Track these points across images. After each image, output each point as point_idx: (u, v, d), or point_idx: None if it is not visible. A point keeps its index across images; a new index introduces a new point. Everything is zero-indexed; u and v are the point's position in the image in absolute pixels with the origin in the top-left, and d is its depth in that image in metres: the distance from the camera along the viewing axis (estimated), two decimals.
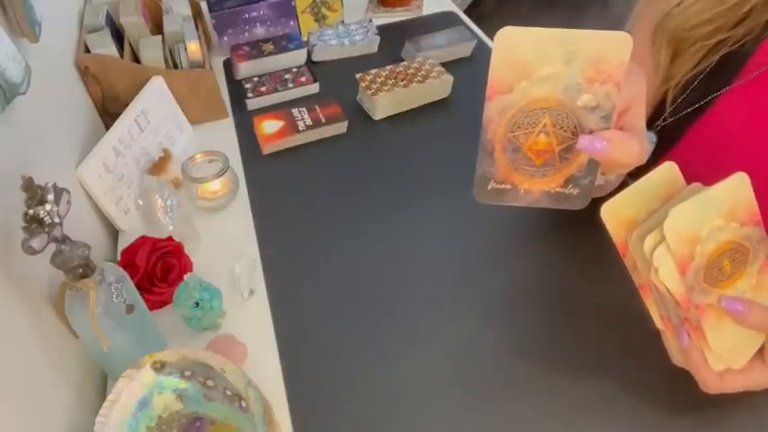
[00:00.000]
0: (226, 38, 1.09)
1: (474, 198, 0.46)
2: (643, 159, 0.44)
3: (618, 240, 0.46)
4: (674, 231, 0.42)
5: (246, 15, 1.07)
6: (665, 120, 0.63)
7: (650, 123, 0.66)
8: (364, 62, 1.07)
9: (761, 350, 0.48)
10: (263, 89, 1.00)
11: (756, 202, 0.45)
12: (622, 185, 0.46)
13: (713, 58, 0.58)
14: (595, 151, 0.41)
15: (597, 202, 0.45)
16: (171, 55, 0.95)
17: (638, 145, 0.43)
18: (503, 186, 0.45)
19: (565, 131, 0.42)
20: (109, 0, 0.95)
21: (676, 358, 0.50)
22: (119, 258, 0.67)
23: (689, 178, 0.47)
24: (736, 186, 0.44)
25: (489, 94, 0.42)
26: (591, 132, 0.42)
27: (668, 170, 0.46)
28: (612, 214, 0.45)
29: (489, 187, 0.46)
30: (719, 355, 0.46)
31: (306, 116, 0.91)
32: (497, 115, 0.42)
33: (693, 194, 0.44)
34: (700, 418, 0.53)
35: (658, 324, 0.49)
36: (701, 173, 0.46)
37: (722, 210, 0.44)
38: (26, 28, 0.62)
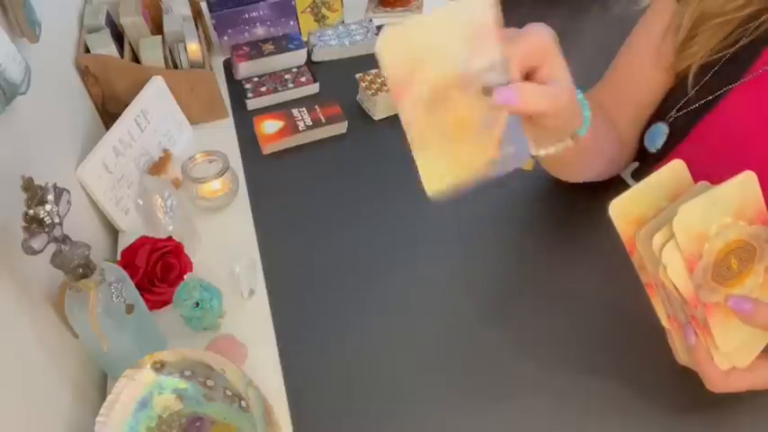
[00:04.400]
0: (226, 38, 1.09)
1: (430, 198, 0.46)
2: (558, 106, 0.44)
3: (625, 237, 0.46)
4: (683, 229, 0.42)
5: (246, 15, 1.07)
6: (678, 110, 0.63)
7: (660, 115, 0.66)
8: (364, 62, 1.07)
9: (767, 349, 0.48)
10: (263, 89, 1.00)
11: (764, 201, 0.46)
12: (624, 185, 0.46)
13: (734, 37, 0.58)
14: (508, 101, 0.41)
15: (604, 199, 0.45)
16: (171, 55, 0.95)
17: (550, 90, 0.43)
18: (452, 173, 0.45)
19: (477, 99, 0.43)
20: (109, 0, 0.95)
21: (681, 357, 0.50)
22: (119, 258, 0.67)
23: (697, 173, 0.47)
24: (745, 185, 0.44)
25: (396, 96, 0.42)
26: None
27: (677, 168, 0.46)
28: (620, 211, 0.45)
29: (442, 182, 0.46)
30: (726, 354, 0.46)
31: (306, 116, 0.91)
32: (413, 110, 0.43)
33: (701, 192, 0.44)
34: (703, 418, 0.53)
35: (664, 323, 0.49)
36: (709, 168, 0.46)
37: (730, 208, 0.44)
38: (26, 28, 0.62)
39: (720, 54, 0.59)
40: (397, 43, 0.40)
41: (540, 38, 0.43)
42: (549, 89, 0.43)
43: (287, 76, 1.03)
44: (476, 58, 0.41)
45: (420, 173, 0.45)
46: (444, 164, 0.44)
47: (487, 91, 0.42)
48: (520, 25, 0.44)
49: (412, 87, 0.41)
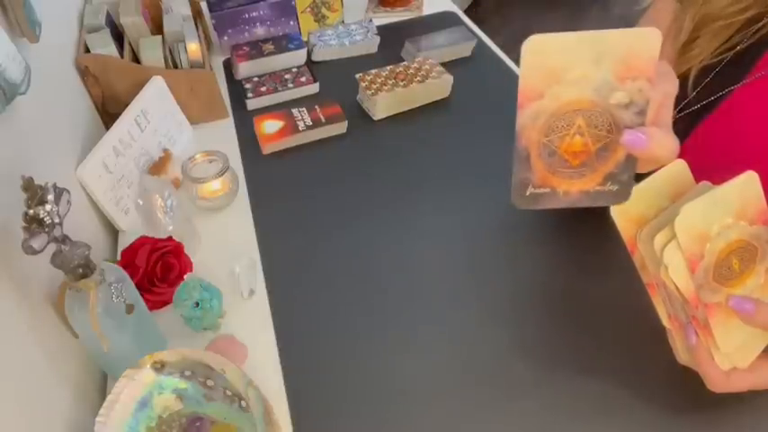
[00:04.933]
0: (226, 38, 1.09)
1: (512, 204, 0.46)
2: (674, 157, 0.44)
3: (627, 237, 0.46)
4: (684, 229, 0.42)
5: (246, 15, 1.07)
6: (680, 111, 0.63)
7: None
8: (364, 62, 1.07)
9: (767, 349, 0.48)
10: (263, 89, 1.00)
11: (765, 201, 0.46)
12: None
13: (735, 39, 0.58)
14: (637, 145, 0.42)
15: None
16: (171, 55, 0.95)
17: (673, 141, 0.43)
18: (541, 191, 0.45)
19: (600, 130, 0.43)
20: (109, 0, 0.95)
21: (682, 357, 0.50)
22: (119, 258, 0.67)
23: (698, 173, 0.47)
24: (746, 185, 0.44)
25: (521, 102, 0.41)
26: (626, 129, 0.43)
27: (678, 168, 0.46)
28: (622, 211, 0.45)
29: (527, 193, 0.46)
30: (727, 354, 0.46)
31: (306, 116, 0.91)
32: (531, 121, 0.42)
33: (703, 192, 0.44)
34: (704, 418, 0.53)
35: (665, 323, 0.49)
36: (710, 168, 0.46)
37: (732, 208, 0.44)
38: (26, 28, 0.62)
39: (721, 56, 0.59)
40: (542, 50, 0.39)
41: (673, 85, 0.45)
42: (673, 138, 0.43)
43: (287, 76, 1.03)
44: (619, 91, 0.41)
45: (512, 182, 0.45)
46: (539, 182, 0.44)
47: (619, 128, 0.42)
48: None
49: (539, 100, 0.41)
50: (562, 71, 0.40)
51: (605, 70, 0.40)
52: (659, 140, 0.42)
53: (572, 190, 0.45)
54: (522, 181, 0.45)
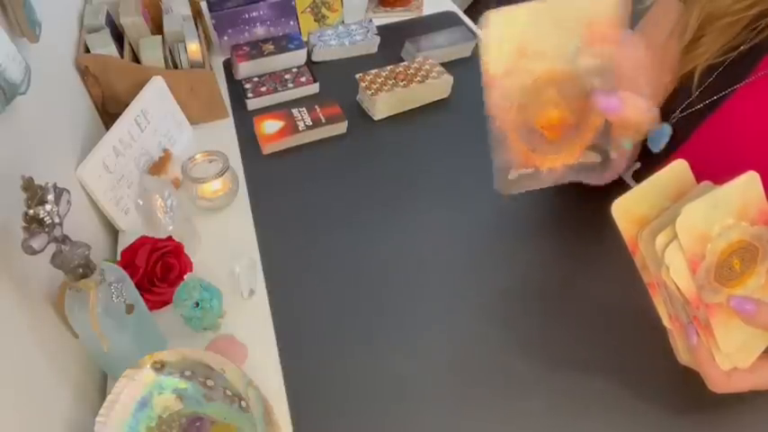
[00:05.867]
0: (226, 38, 1.09)
1: (497, 191, 0.45)
2: (650, 120, 0.44)
3: (628, 237, 0.46)
4: (686, 229, 0.42)
5: (246, 15, 1.07)
6: (682, 111, 0.63)
7: (664, 116, 0.66)
8: (364, 62, 1.07)
9: None
10: (263, 89, 1.00)
11: (766, 201, 0.45)
12: (626, 187, 0.46)
13: (742, 37, 0.58)
14: (610, 107, 0.41)
15: (607, 200, 0.45)
16: (171, 55, 0.95)
17: (646, 103, 0.43)
18: (524, 172, 0.45)
19: (573, 100, 0.42)
20: (109, 0, 0.95)
21: (683, 357, 0.49)
22: (119, 258, 0.67)
23: (699, 173, 0.47)
24: (747, 185, 0.44)
25: (487, 82, 0.41)
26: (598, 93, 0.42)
27: (679, 168, 0.46)
28: (623, 211, 0.45)
29: (511, 176, 0.45)
30: (728, 355, 0.46)
31: (306, 116, 0.91)
32: (502, 101, 0.42)
33: (704, 193, 0.44)
34: (704, 418, 0.53)
35: (666, 323, 0.49)
36: (712, 168, 0.46)
37: (733, 208, 0.44)
38: (26, 28, 0.62)
39: (726, 56, 0.59)
40: (505, 28, 0.38)
41: (641, 55, 0.44)
42: (644, 103, 0.43)
43: (287, 76, 1.02)
44: (586, 56, 0.40)
45: (494, 169, 0.44)
46: (521, 163, 0.44)
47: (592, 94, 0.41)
48: None
49: (510, 77, 0.40)
50: (526, 44, 0.39)
51: (570, 36, 0.40)
52: (633, 102, 0.42)
53: (555, 166, 0.44)
54: (503, 165, 0.44)
